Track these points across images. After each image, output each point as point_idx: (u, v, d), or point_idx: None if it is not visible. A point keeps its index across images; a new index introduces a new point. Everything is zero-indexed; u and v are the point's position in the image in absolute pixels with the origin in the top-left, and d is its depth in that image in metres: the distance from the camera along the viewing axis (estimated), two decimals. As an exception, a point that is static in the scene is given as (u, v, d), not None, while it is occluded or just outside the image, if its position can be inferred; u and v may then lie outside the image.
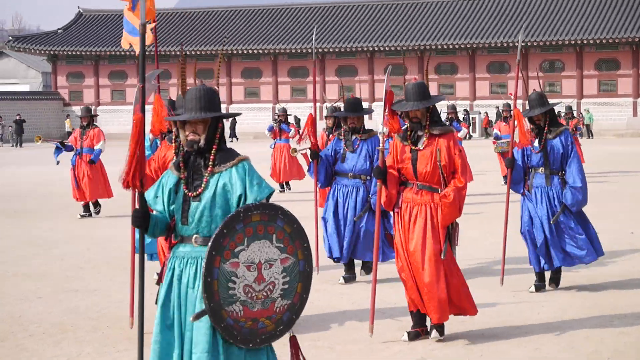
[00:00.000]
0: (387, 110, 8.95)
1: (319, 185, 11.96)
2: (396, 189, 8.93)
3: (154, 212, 6.08)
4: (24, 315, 10.30)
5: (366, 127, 11.92)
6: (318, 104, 52.59)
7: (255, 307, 5.75)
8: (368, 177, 11.59)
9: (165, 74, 63.50)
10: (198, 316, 5.73)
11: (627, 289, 11.38)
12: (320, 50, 63.19)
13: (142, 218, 5.91)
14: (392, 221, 9.18)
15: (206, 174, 5.94)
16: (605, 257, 13.56)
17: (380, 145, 8.82)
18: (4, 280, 12.26)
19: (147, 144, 10.31)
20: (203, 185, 5.92)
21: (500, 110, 24.69)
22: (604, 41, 58.85)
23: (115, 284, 11.74)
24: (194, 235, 5.93)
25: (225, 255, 5.64)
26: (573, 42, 59.50)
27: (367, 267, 11.99)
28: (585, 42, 59.20)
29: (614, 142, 51.16)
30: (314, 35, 11.46)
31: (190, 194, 5.94)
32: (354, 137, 11.82)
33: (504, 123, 24.40)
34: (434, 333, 8.90)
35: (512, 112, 23.60)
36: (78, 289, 11.78)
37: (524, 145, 11.08)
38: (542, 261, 11.13)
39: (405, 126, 9.07)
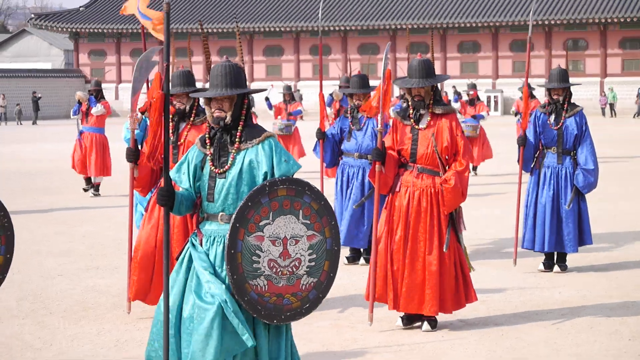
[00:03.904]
0: (385, 89, 8.54)
1: (325, 165, 11.84)
2: (394, 172, 8.56)
3: (180, 190, 6.06)
4: (45, 293, 10.34)
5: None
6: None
7: (280, 283, 5.76)
8: None
9: (184, 52, 63.50)
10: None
11: (649, 269, 11.33)
12: (342, 28, 63.02)
13: (167, 197, 5.89)
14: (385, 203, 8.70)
15: (232, 151, 5.91)
16: (628, 237, 13.52)
17: (378, 125, 8.50)
18: (27, 259, 12.30)
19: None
20: (230, 162, 5.90)
21: (466, 92, 23.10)
22: (628, 19, 58.41)
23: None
24: (220, 213, 5.90)
25: (249, 228, 5.64)
26: (597, 21, 59.07)
27: (367, 258, 11.66)
28: (609, 20, 58.78)
29: (637, 122, 50.85)
30: (320, 14, 11.39)
31: (216, 170, 5.91)
32: (360, 114, 11.70)
33: (470, 106, 22.79)
34: (425, 326, 8.63)
35: (478, 93, 22.80)
36: (100, 266, 11.82)
37: (523, 128, 10.97)
38: (534, 243, 11.11)
39: (405, 105, 8.76)
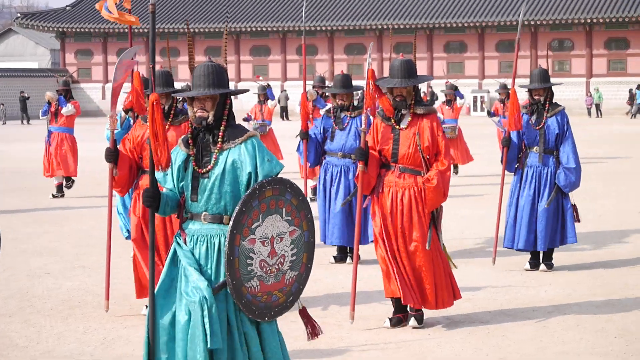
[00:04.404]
0: (371, 88, 8.43)
1: (309, 165, 11.83)
2: (376, 172, 8.59)
3: (164, 190, 6.07)
4: (31, 292, 10.33)
5: (355, 104, 11.83)
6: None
7: (269, 281, 5.85)
8: None
9: (173, 52, 63.49)
10: (218, 289, 5.79)
11: (635, 268, 11.37)
12: (328, 28, 63.03)
13: (153, 198, 5.91)
14: (369, 205, 8.73)
15: (215, 151, 5.94)
16: (614, 236, 13.57)
17: (362, 125, 8.50)
18: (14, 257, 12.29)
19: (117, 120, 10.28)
20: (212, 162, 5.92)
21: (444, 93, 22.72)
22: (613, 20, 58.58)
23: (123, 261, 11.76)
24: (203, 213, 5.93)
25: (244, 233, 5.72)
26: (582, 21, 59.23)
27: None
28: (594, 20, 58.95)
29: (623, 122, 51.03)
30: (303, 13, 11.43)
31: (199, 170, 5.94)
32: (343, 114, 11.70)
33: (447, 107, 22.42)
34: (412, 321, 8.67)
35: (455, 94, 22.47)
36: (86, 265, 11.81)
37: (515, 129, 10.97)
38: (513, 241, 11.17)
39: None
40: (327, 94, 18.42)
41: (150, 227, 6.08)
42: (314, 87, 18.30)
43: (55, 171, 19.03)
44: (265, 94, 21.22)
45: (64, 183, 19.29)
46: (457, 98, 22.30)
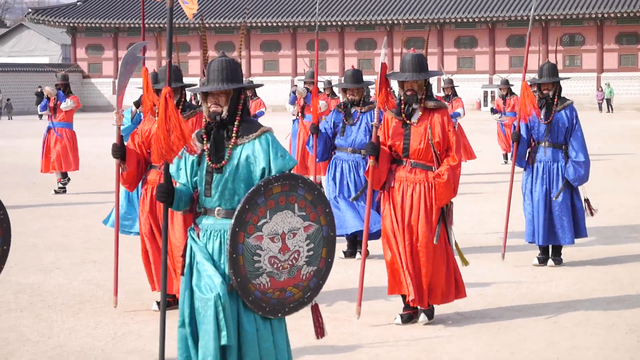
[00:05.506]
0: (381, 84, 8.45)
1: (317, 160, 11.83)
2: (387, 167, 8.54)
3: (178, 185, 6.07)
4: (42, 287, 10.35)
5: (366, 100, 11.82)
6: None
7: (282, 277, 5.79)
8: None
9: (183, 47, 63.55)
10: (231, 286, 5.76)
11: (645, 263, 11.36)
12: (339, 23, 63.01)
13: (166, 193, 5.90)
14: (378, 199, 8.68)
15: (229, 146, 5.92)
16: (624, 231, 13.55)
17: (374, 119, 8.47)
18: (24, 252, 12.31)
19: (127, 115, 10.26)
20: (226, 157, 5.90)
21: (442, 88, 22.26)
22: (625, 14, 58.45)
23: (134, 256, 11.77)
24: (217, 208, 5.92)
25: (248, 230, 5.67)
26: (594, 16, 59.12)
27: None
28: (605, 15, 58.82)
29: (634, 117, 50.90)
30: (317, 7, 11.44)
31: (213, 165, 5.93)
32: (353, 109, 11.68)
33: (446, 102, 20.86)
34: (422, 317, 8.64)
35: (454, 89, 22.11)
36: (97, 260, 11.83)
37: (529, 115, 10.94)
38: (534, 236, 11.17)
39: (398, 100, 8.69)
40: (321, 89, 18.32)
41: (164, 223, 6.09)
42: (305, 83, 18.16)
43: (55, 167, 18.99)
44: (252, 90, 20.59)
45: (61, 179, 19.23)
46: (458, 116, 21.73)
